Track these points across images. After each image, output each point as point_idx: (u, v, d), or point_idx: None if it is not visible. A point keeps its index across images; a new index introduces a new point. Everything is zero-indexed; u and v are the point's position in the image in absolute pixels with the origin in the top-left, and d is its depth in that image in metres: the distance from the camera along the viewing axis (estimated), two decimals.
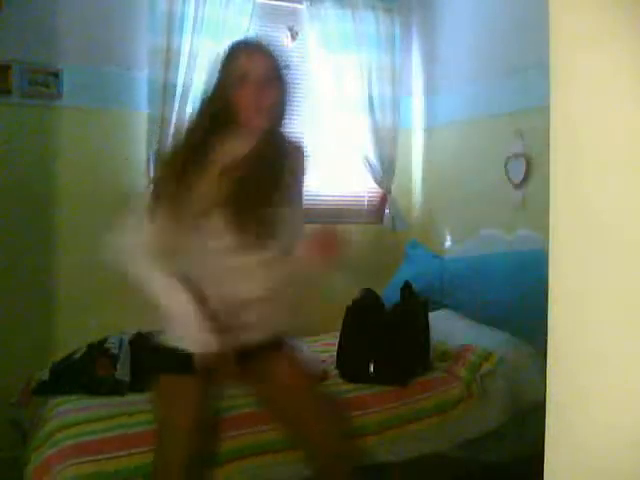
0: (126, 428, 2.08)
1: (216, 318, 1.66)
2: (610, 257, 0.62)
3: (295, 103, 1.83)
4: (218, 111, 1.69)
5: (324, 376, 2.51)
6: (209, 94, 1.74)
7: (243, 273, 1.71)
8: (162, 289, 1.70)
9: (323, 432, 1.77)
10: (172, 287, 1.69)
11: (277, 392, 1.82)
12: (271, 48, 1.72)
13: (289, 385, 1.80)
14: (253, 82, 1.64)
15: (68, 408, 2.19)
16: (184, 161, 1.67)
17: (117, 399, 2.30)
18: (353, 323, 2.62)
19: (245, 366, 1.73)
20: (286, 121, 1.77)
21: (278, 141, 1.76)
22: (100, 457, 1.93)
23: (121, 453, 1.96)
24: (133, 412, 2.18)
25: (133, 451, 1.98)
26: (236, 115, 1.67)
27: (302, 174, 1.83)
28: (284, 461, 2.12)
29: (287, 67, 1.74)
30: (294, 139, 1.85)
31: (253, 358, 1.75)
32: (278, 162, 1.73)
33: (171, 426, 1.68)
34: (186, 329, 1.68)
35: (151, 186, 1.80)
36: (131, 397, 2.32)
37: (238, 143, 1.70)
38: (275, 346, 1.80)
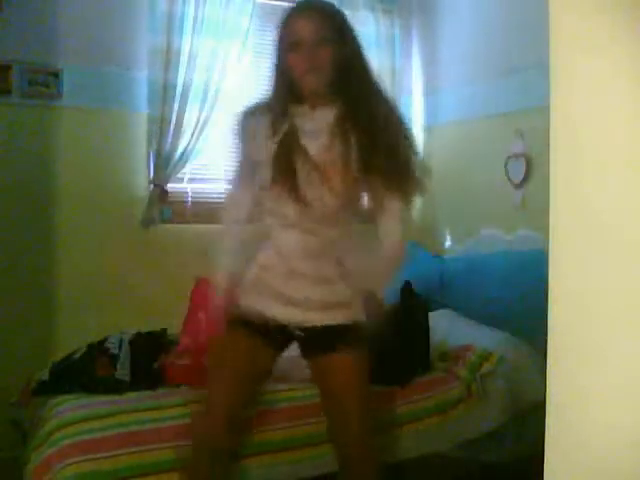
0: (126, 426, 2.07)
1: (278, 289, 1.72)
2: (610, 257, 0.62)
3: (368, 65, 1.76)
4: (278, 78, 1.72)
5: None
6: (272, 64, 1.75)
7: (305, 248, 1.72)
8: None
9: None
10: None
11: (324, 390, 1.84)
12: (325, 10, 1.70)
13: (334, 393, 1.81)
14: (300, 44, 1.65)
15: (67, 407, 2.19)
16: (258, 129, 1.72)
17: (117, 397, 2.29)
18: None
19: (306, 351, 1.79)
20: (366, 87, 1.72)
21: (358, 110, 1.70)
22: (100, 456, 1.93)
23: (121, 451, 1.96)
24: (133, 410, 2.18)
25: (133, 449, 1.98)
26: (293, 80, 1.68)
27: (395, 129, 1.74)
28: (284, 461, 2.12)
29: (345, 28, 1.72)
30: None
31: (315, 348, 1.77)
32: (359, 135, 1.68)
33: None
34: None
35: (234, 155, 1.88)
36: (131, 395, 2.32)
37: (305, 112, 1.71)
38: (341, 343, 1.77)
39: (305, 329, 1.75)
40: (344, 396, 1.78)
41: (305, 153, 1.67)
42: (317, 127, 1.70)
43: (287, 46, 1.67)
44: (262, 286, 1.75)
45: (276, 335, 1.77)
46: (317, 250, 1.73)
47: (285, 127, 1.69)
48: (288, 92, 1.70)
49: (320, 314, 1.74)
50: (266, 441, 2.13)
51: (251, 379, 1.82)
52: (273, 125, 1.70)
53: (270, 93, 1.76)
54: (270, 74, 1.75)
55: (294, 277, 1.72)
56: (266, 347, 1.78)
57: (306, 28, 1.66)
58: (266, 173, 1.68)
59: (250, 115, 1.78)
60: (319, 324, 1.74)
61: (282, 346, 1.85)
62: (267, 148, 1.68)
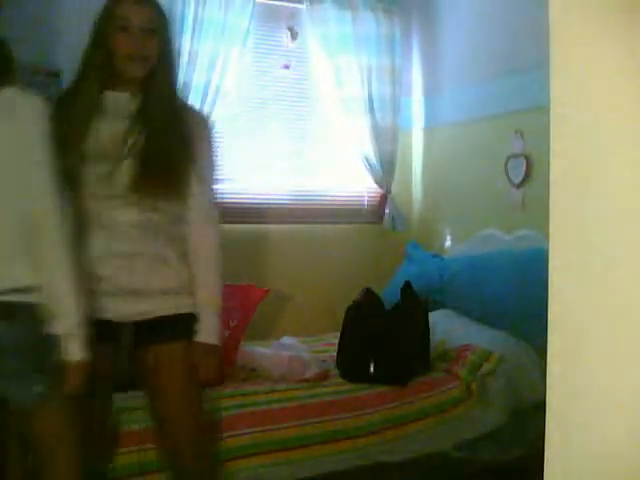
0: (126, 425, 2.07)
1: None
2: (610, 257, 0.62)
3: (175, 59, 1.80)
4: (97, 61, 1.68)
5: (324, 375, 2.51)
6: (88, 44, 1.72)
7: (118, 230, 1.65)
8: None
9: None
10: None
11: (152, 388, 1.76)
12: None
13: (163, 386, 1.73)
14: (130, 30, 1.64)
15: None
16: (68, 115, 1.64)
17: (117, 395, 2.29)
18: (353, 323, 2.62)
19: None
20: (175, 82, 1.74)
21: (166, 100, 1.71)
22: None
23: (120, 451, 1.96)
24: (133, 409, 2.18)
25: (133, 448, 1.98)
26: (114, 64, 1.66)
27: (203, 142, 1.75)
28: (284, 461, 2.12)
29: (167, 19, 1.74)
30: (196, 109, 1.83)
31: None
32: (164, 121, 1.68)
33: None
34: None
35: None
36: (131, 393, 2.32)
37: (122, 96, 1.68)
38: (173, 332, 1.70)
39: (141, 321, 1.68)
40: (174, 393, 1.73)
41: (116, 135, 1.64)
42: (130, 112, 1.67)
43: (117, 28, 1.65)
44: (96, 285, 1.64)
45: (113, 334, 1.67)
46: (150, 230, 1.67)
47: (99, 112, 1.65)
48: (106, 75, 1.67)
49: (157, 303, 1.68)
50: (262, 442, 2.13)
51: (97, 394, 1.71)
52: (85, 111, 1.65)
53: (84, 75, 1.70)
54: (86, 55, 1.70)
55: (128, 263, 1.65)
56: (107, 351, 1.67)
57: (140, 14, 1.65)
58: (86, 153, 1.62)
59: (61, 105, 1.70)
60: (151, 315, 1.68)
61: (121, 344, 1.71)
62: (81, 133, 1.63)
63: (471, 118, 3.46)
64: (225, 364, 2.57)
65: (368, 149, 3.60)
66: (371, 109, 3.58)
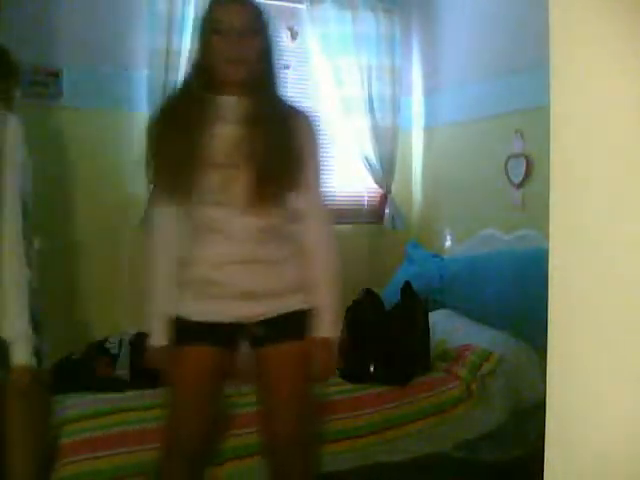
0: (125, 425, 2.08)
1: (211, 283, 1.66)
2: (610, 257, 0.62)
3: (279, 64, 1.75)
4: (201, 65, 1.67)
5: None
6: (192, 49, 1.72)
7: (233, 236, 1.65)
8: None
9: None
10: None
11: (263, 385, 1.76)
12: (251, 1, 1.68)
13: (275, 387, 1.73)
14: (228, 33, 1.61)
15: (67, 406, 2.19)
16: (173, 123, 1.64)
17: (116, 396, 2.30)
18: (353, 323, 2.62)
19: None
20: (279, 83, 1.72)
21: (274, 102, 1.70)
22: (98, 455, 1.93)
23: (119, 450, 1.97)
24: (132, 409, 2.18)
25: (133, 449, 1.98)
26: (216, 68, 1.64)
27: (311, 143, 1.75)
28: None
29: (268, 21, 1.71)
30: (300, 107, 1.79)
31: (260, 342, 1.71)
32: (277, 125, 1.66)
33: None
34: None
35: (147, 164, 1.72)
36: (131, 394, 2.32)
37: (229, 100, 1.67)
38: (286, 332, 1.72)
39: (258, 322, 1.70)
40: (287, 389, 1.73)
41: (230, 141, 1.63)
42: (239, 117, 1.66)
43: (214, 32, 1.63)
44: (208, 289, 1.67)
45: (227, 336, 1.70)
46: (265, 235, 1.68)
47: (209, 118, 1.65)
48: (209, 80, 1.66)
49: (272, 303, 1.70)
50: (250, 444, 2.12)
51: (211, 392, 1.75)
52: (195, 117, 1.64)
53: (188, 82, 1.71)
54: (191, 62, 1.70)
55: (243, 267, 1.66)
56: (219, 352, 1.71)
57: (236, 16, 1.63)
58: (195, 164, 1.61)
59: (167, 113, 1.70)
60: (273, 315, 1.70)
61: (235, 344, 1.76)
62: (194, 140, 1.62)
63: (471, 118, 3.46)
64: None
65: (368, 149, 3.60)
66: (371, 109, 3.58)
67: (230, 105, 1.67)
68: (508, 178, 3.14)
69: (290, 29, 3.50)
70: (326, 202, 1.83)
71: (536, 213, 2.89)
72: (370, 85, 3.59)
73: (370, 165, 3.62)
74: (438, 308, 3.09)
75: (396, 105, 3.69)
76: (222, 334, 1.68)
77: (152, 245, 1.72)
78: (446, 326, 2.93)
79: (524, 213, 3.06)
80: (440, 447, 2.39)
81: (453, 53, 3.61)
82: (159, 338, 1.70)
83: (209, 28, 1.65)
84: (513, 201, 3.12)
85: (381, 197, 3.75)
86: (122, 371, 2.50)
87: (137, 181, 3.18)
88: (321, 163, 1.78)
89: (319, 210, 1.76)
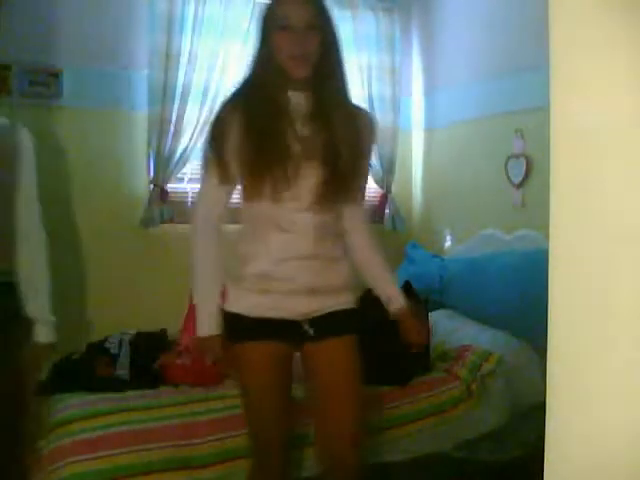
0: (125, 425, 2.08)
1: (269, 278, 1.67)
2: (610, 257, 0.62)
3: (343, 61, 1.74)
4: (265, 62, 1.66)
5: None
6: (255, 45, 1.70)
7: (298, 232, 1.67)
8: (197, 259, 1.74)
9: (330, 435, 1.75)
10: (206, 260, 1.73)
11: (316, 379, 1.78)
12: None
13: (330, 381, 1.75)
14: (290, 29, 1.61)
15: (67, 406, 2.19)
16: (246, 117, 1.64)
17: (117, 396, 2.30)
18: None
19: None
20: (345, 78, 1.71)
21: (341, 99, 1.70)
22: (98, 455, 1.93)
23: (120, 450, 1.96)
24: (133, 409, 2.18)
25: (133, 449, 1.98)
26: (279, 65, 1.64)
27: (370, 143, 1.79)
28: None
29: (330, 16, 1.72)
30: (361, 107, 1.81)
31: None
32: (345, 122, 1.67)
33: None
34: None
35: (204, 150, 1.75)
36: (131, 394, 2.33)
37: (295, 96, 1.67)
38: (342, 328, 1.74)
39: (315, 318, 1.72)
40: (345, 386, 1.74)
41: (300, 137, 1.64)
42: (305, 112, 1.67)
43: (278, 28, 1.63)
44: (268, 284, 1.69)
45: (291, 332, 1.72)
46: (324, 232, 1.70)
47: (275, 113, 1.65)
48: (274, 77, 1.66)
49: (328, 300, 1.73)
50: None
51: (283, 385, 1.76)
52: (261, 113, 1.65)
53: (252, 79, 1.70)
54: (253, 58, 1.69)
55: (304, 263, 1.69)
56: (285, 349, 1.73)
57: (301, 12, 1.63)
58: (261, 159, 1.62)
59: (233, 107, 1.70)
60: (325, 311, 1.73)
61: (298, 342, 1.77)
62: (260, 135, 1.63)
63: (471, 118, 3.46)
64: (224, 364, 2.58)
65: None
66: (371, 109, 3.58)
67: (297, 101, 1.67)
68: (508, 178, 3.14)
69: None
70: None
71: (536, 213, 2.89)
72: (370, 85, 3.59)
73: (370, 165, 3.62)
74: (438, 308, 3.09)
75: (396, 105, 3.69)
76: (280, 331, 1.70)
77: (201, 237, 1.73)
78: (446, 326, 2.93)
79: (524, 213, 3.06)
80: (440, 447, 2.39)
81: (453, 53, 3.61)
82: (205, 328, 1.73)
83: (273, 25, 1.64)
84: (513, 201, 3.12)
85: (381, 197, 3.75)
86: (122, 371, 2.49)
87: (137, 181, 3.18)
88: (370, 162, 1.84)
89: (364, 209, 1.86)
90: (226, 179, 1.67)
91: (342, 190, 1.67)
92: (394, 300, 1.84)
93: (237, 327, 1.71)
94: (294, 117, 1.66)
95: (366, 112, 1.81)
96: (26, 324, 1.93)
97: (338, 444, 1.74)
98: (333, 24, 1.71)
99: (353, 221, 1.79)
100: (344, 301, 1.76)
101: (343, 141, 1.65)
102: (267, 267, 1.67)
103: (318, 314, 1.71)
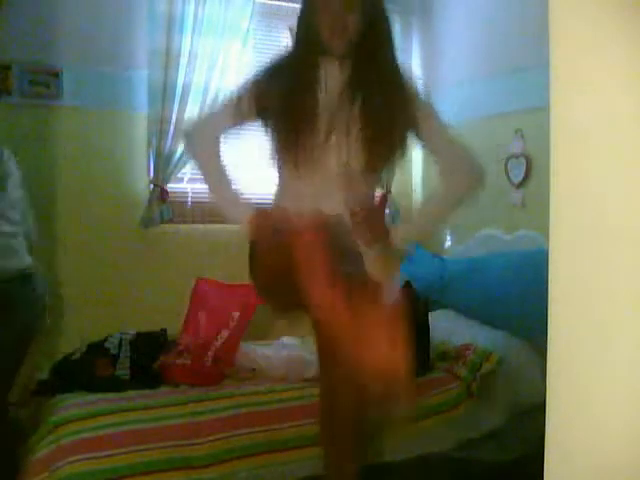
0: (125, 425, 2.08)
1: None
2: (610, 257, 0.62)
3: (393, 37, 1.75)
4: (305, 36, 1.68)
5: None
6: (298, 19, 1.71)
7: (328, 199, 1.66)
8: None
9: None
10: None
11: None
12: None
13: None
14: (330, 3, 1.62)
15: (67, 405, 2.19)
16: (284, 87, 1.67)
17: (117, 396, 2.30)
18: None
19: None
20: (388, 53, 1.72)
21: (381, 73, 1.69)
22: (98, 454, 1.93)
23: (119, 450, 1.96)
24: (133, 409, 2.18)
25: (133, 449, 1.98)
26: (319, 38, 1.65)
27: (422, 105, 1.80)
28: (284, 461, 2.12)
29: None
30: (407, 73, 1.80)
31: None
32: (386, 95, 1.68)
33: None
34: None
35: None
36: (131, 394, 2.33)
37: (332, 68, 1.68)
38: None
39: None
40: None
41: (343, 103, 1.67)
42: (341, 85, 1.69)
43: (318, 2, 1.64)
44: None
45: None
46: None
47: (314, 85, 1.68)
48: (315, 45, 1.68)
49: None
50: (262, 442, 2.13)
51: None
52: (303, 77, 1.68)
53: (294, 47, 1.73)
54: (296, 30, 1.71)
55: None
56: None
57: None
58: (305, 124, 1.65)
59: (273, 74, 1.72)
60: None
61: None
62: (306, 101, 1.66)
63: (471, 118, 3.45)
64: (225, 364, 2.58)
65: None
66: None
67: (334, 73, 1.69)
68: (508, 178, 3.13)
69: (290, 29, 3.50)
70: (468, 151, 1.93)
71: (536, 213, 2.89)
72: None
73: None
74: (438, 308, 3.08)
75: None
76: None
77: (202, 150, 1.79)
78: (446, 326, 2.93)
79: (524, 213, 3.06)
80: (440, 447, 2.38)
81: (453, 53, 3.61)
82: (244, 210, 1.71)
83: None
84: (513, 201, 3.12)
85: (381, 197, 3.74)
86: (122, 371, 2.49)
87: (137, 181, 3.18)
88: (441, 121, 1.87)
89: (462, 161, 1.90)
90: (240, 119, 1.73)
91: (382, 163, 1.73)
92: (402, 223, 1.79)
93: None
94: (328, 88, 1.68)
95: (411, 79, 1.81)
96: None
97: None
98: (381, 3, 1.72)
99: (444, 175, 1.83)
100: None
101: (377, 114, 1.67)
102: None
103: None
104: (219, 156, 1.78)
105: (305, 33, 1.70)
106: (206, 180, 1.81)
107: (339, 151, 1.65)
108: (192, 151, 1.86)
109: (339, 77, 1.69)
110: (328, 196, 1.67)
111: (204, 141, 1.79)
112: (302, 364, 2.53)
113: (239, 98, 1.74)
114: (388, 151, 1.75)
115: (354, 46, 1.67)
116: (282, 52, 1.79)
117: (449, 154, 1.81)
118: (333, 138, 1.65)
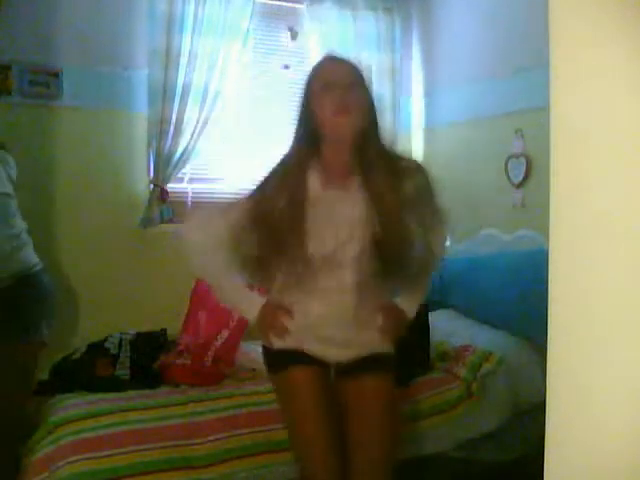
0: (125, 425, 2.08)
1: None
2: (610, 257, 0.62)
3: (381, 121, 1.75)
4: (307, 127, 1.66)
5: None
6: (298, 116, 1.70)
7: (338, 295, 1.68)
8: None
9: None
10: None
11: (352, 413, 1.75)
12: (349, 59, 1.72)
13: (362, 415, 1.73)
14: (332, 86, 1.62)
15: (67, 405, 2.19)
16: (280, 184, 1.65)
17: (117, 396, 2.30)
18: None
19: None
20: (381, 138, 1.71)
21: (383, 160, 1.68)
22: (98, 454, 1.93)
23: (119, 450, 1.97)
24: (133, 409, 2.18)
25: (133, 449, 1.98)
26: (322, 124, 1.63)
27: (428, 192, 1.78)
28: (284, 461, 2.12)
29: (369, 78, 1.75)
30: (407, 156, 1.81)
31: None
32: (393, 187, 1.66)
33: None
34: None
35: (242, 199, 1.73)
36: (131, 394, 2.33)
37: (335, 157, 1.67)
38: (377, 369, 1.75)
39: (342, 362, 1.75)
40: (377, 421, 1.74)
41: (342, 205, 1.65)
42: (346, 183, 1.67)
43: (319, 88, 1.64)
44: (311, 332, 1.71)
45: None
46: (362, 290, 1.70)
47: (317, 182, 1.66)
48: (315, 141, 1.66)
49: (360, 349, 1.75)
50: (262, 442, 2.13)
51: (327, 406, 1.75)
52: (306, 180, 1.65)
53: (295, 145, 1.70)
54: (295, 127, 1.70)
55: (344, 327, 1.71)
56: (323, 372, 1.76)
57: (339, 71, 1.66)
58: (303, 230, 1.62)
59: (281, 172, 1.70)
60: (364, 355, 1.74)
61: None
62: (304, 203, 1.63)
63: (471, 118, 3.46)
64: (225, 364, 2.58)
65: None
66: None
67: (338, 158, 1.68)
68: (508, 178, 3.14)
69: (290, 29, 3.50)
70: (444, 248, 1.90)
71: (536, 213, 2.89)
72: (370, 85, 3.58)
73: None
74: (438, 308, 3.08)
75: (396, 105, 3.68)
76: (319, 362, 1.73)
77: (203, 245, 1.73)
78: (446, 326, 2.93)
79: (524, 213, 3.06)
80: (440, 447, 2.38)
81: (453, 53, 3.61)
82: (253, 308, 1.73)
83: (315, 86, 1.66)
84: (513, 201, 3.12)
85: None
86: (122, 371, 2.50)
87: (137, 181, 3.18)
88: (438, 210, 1.81)
89: (435, 258, 1.83)
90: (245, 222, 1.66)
91: (391, 268, 1.68)
92: (402, 301, 1.81)
93: (279, 356, 1.74)
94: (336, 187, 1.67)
95: (412, 161, 1.80)
96: None
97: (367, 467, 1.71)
98: (369, 84, 1.75)
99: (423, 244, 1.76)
100: (382, 347, 1.77)
101: (388, 209, 1.65)
102: (304, 322, 1.70)
103: (350, 359, 1.74)
104: (220, 253, 1.71)
105: (309, 123, 1.66)
106: (211, 281, 1.82)
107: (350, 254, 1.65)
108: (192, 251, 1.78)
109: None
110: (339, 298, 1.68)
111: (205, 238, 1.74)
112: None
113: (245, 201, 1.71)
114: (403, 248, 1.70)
115: (358, 132, 1.64)
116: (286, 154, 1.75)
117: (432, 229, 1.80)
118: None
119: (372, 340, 1.75)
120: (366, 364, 1.73)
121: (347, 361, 1.73)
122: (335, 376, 1.76)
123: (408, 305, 1.82)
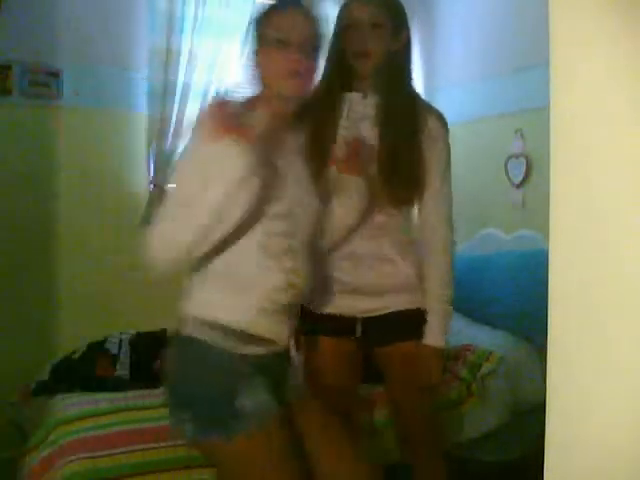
0: (125, 425, 2.07)
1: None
2: (610, 257, 0.62)
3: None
4: (334, 61, 1.66)
5: None
6: (329, 46, 1.67)
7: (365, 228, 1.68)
8: None
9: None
10: None
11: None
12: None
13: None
14: (354, 27, 1.64)
15: (67, 405, 2.19)
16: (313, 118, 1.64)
17: (117, 396, 2.30)
18: None
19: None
20: (408, 80, 1.72)
21: (401, 102, 1.68)
22: (99, 454, 1.93)
23: (120, 450, 1.96)
24: (133, 408, 2.18)
25: (133, 449, 1.98)
26: (346, 63, 1.65)
27: (441, 144, 1.72)
28: None
29: (398, 14, 1.77)
30: (431, 106, 1.77)
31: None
32: (407, 126, 1.66)
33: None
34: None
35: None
36: (131, 394, 2.32)
37: (355, 97, 1.69)
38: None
39: (370, 318, 1.73)
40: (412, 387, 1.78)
41: (362, 135, 1.66)
42: (370, 114, 1.68)
43: (344, 27, 1.65)
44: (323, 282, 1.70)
45: (349, 329, 1.75)
46: (376, 232, 1.70)
47: (341, 115, 1.67)
48: (340, 78, 1.68)
49: (384, 300, 1.73)
50: None
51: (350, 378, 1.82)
52: (325, 115, 1.67)
53: (324, 76, 1.69)
54: (327, 56, 1.68)
55: (356, 261, 1.70)
56: (347, 343, 1.77)
57: (363, 11, 1.65)
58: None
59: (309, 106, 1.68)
60: (384, 312, 1.73)
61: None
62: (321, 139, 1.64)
63: (471, 118, 3.46)
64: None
65: None
66: None
67: (357, 102, 1.69)
68: (508, 178, 3.14)
69: None
70: (450, 205, 1.78)
71: (536, 213, 2.89)
72: None
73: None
74: None
75: None
76: (344, 327, 1.73)
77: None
78: None
79: (524, 213, 3.06)
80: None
81: (453, 53, 3.61)
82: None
83: (340, 23, 1.67)
84: (513, 201, 3.12)
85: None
86: (122, 371, 2.49)
87: (137, 181, 3.18)
88: (448, 164, 1.75)
89: (440, 213, 1.74)
90: None
91: (400, 197, 1.68)
92: (428, 333, 1.75)
93: (307, 322, 1.73)
94: (351, 119, 1.69)
95: (435, 111, 1.76)
96: None
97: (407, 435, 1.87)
98: (402, 23, 1.76)
99: (423, 224, 1.74)
100: (402, 302, 1.74)
101: (398, 147, 1.64)
102: (322, 264, 1.68)
103: (374, 314, 1.73)
104: None
105: (335, 59, 1.67)
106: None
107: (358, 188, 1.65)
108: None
109: (361, 109, 1.69)
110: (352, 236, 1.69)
111: None
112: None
113: None
114: (409, 191, 1.70)
115: (377, 73, 1.66)
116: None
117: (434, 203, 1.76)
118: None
119: (393, 292, 1.73)
120: (388, 329, 1.73)
121: (371, 317, 1.72)
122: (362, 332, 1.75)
123: (434, 338, 1.75)
